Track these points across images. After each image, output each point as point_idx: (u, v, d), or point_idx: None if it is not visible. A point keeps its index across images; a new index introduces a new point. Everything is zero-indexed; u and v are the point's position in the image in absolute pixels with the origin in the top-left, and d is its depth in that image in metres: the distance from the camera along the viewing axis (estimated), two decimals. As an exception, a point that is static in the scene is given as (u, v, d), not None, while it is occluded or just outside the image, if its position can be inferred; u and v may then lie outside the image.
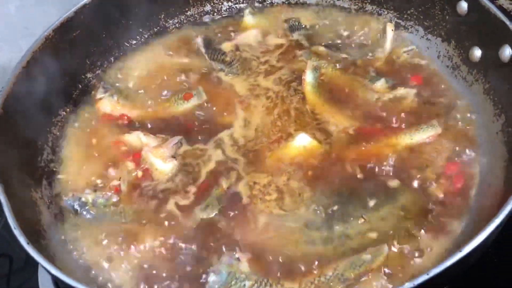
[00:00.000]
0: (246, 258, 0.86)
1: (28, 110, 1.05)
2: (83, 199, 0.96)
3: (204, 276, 0.85)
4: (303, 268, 0.85)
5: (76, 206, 0.96)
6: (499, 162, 0.92)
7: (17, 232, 0.75)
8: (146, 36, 1.32)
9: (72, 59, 1.18)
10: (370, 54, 1.18)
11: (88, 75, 1.22)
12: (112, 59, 1.27)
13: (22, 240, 0.74)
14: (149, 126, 1.09)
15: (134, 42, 1.30)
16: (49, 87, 1.10)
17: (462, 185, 0.93)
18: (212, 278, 0.84)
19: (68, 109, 1.16)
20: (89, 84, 1.22)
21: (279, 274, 0.85)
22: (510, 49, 0.93)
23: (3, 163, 0.91)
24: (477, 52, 1.05)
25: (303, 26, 1.27)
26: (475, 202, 0.90)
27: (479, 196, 0.90)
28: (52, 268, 0.71)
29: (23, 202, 0.92)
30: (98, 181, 1.00)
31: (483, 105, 1.02)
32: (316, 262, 0.85)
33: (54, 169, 1.05)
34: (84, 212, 0.96)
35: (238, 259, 0.86)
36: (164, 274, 0.86)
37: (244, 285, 0.83)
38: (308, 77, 1.12)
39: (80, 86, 1.20)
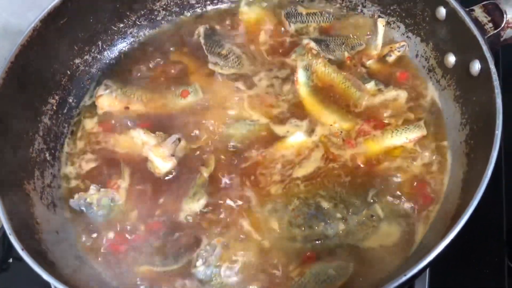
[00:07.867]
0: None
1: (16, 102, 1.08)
2: (88, 199, 1.01)
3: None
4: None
5: (82, 207, 1.02)
6: (459, 173, 0.97)
7: (12, 238, 0.82)
8: (133, 19, 1.33)
9: (60, 47, 1.20)
10: (360, 50, 1.19)
11: (76, 61, 1.25)
12: (100, 43, 1.29)
13: (17, 246, 0.81)
14: (146, 123, 1.14)
15: (122, 25, 1.32)
16: (38, 75, 1.14)
17: (430, 195, 0.99)
18: (200, 267, 0.92)
19: (57, 97, 1.20)
20: (77, 70, 1.25)
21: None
22: (479, 64, 0.96)
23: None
24: (451, 59, 1.08)
25: (300, 13, 1.26)
26: (439, 214, 0.96)
27: (441, 209, 0.97)
28: (45, 274, 0.80)
29: (16, 197, 0.98)
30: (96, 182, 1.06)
31: (453, 111, 1.06)
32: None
33: (46, 158, 1.11)
34: (91, 213, 1.01)
35: (227, 246, 0.93)
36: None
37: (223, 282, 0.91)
38: (301, 77, 1.14)
39: (69, 73, 1.23)
